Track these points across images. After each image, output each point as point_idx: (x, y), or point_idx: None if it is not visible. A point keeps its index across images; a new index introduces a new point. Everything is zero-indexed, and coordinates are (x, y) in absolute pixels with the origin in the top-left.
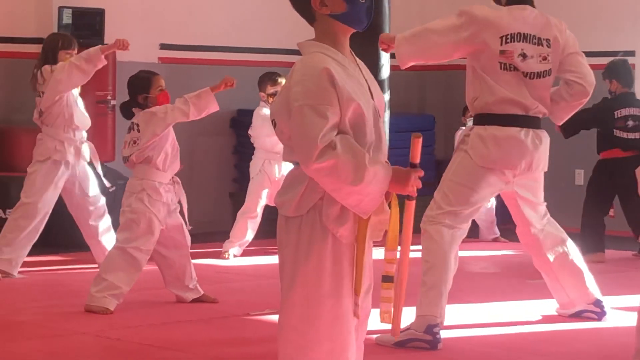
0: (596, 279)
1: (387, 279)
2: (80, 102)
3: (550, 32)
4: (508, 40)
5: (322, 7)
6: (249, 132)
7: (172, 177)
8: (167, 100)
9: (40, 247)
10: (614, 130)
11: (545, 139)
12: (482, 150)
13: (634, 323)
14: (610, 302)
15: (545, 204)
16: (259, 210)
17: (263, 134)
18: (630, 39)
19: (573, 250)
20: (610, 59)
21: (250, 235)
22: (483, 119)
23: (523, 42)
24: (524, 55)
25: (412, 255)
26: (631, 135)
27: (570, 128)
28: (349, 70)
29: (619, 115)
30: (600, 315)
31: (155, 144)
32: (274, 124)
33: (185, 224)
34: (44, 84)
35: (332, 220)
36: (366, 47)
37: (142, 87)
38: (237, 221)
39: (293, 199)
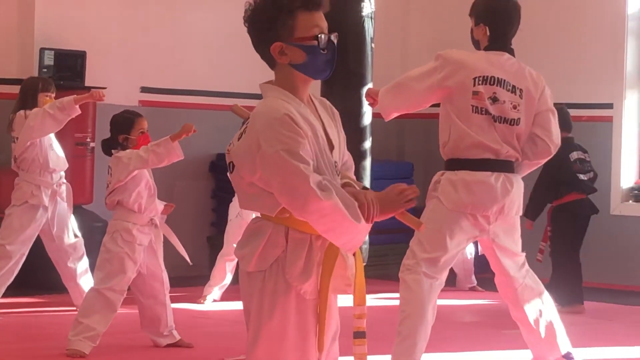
0: (569, 330)
1: (359, 334)
2: (56, 144)
3: (524, 83)
4: (480, 82)
5: (281, 56)
6: (229, 174)
7: (151, 219)
8: (147, 142)
9: (16, 289)
10: (576, 174)
11: (517, 182)
12: (452, 195)
13: None
14: (584, 353)
15: (524, 254)
16: None
17: None
18: (608, 92)
19: (548, 303)
20: (590, 110)
21: (229, 278)
22: (453, 164)
23: (497, 86)
24: (494, 99)
25: (389, 303)
26: (583, 177)
27: (536, 207)
28: (309, 121)
29: (573, 159)
30: None
31: (124, 188)
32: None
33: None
34: (17, 130)
35: (296, 276)
36: (348, 95)
37: (123, 128)
38: (217, 264)
39: (253, 253)
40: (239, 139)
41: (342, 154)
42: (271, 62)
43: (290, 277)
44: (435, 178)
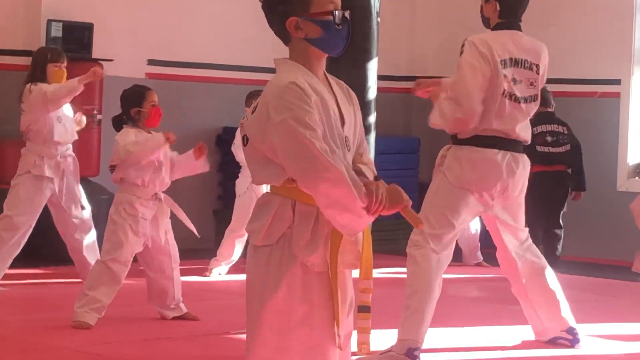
0: (572, 306)
1: (363, 309)
2: (65, 116)
3: (539, 58)
4: (507, 65)
5: (297, 30)
6: (232, 148)
7: (156, 194)
8: (160, 116)
9: (23, 260)
10: (535, 146)
11: (524, 162)
12: (457, 170)
13: (608, 351)
14: (589, 329)
15: (527, 229)
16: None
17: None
18: (616, 68)
19: (551, 278)
20: (598, 87)
21: (237, 254)
22: (460, 139)
23: (518, 67)
24: (514, 81)
25: (395, 276)
26: (553, 150)
27: None
28: (320, 93)
29: (537, 132)
30: (573, 342)
31: (126, 165)
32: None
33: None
34: (26, 103)
35: (302, 247)
36: (353, 69)
37: (135, 101)
38: (225, 239)
39: (261, 228)
40: (252, 112)
41: (356, 133)
42: (286, 38)
43: (297, 249)
44: (441, 152)
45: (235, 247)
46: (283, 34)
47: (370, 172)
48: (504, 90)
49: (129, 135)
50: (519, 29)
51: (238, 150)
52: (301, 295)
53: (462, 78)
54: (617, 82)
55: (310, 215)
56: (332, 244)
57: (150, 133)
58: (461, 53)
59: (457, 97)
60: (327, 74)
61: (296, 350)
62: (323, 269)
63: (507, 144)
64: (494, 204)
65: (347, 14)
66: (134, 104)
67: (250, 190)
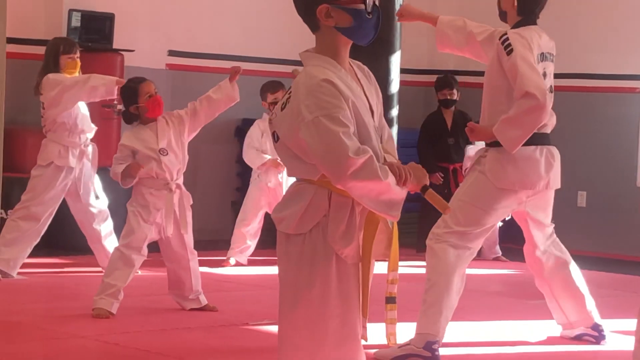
0: (596, 302)
1: (390, 300)
2: (83, 106)
3: (554, 50)
4: (540, 60)
5: (327, 18)
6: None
7: (167, 184)
8: (159, 105)
9: (42, 249)
10: None
11: (557, 155)
12: (499, 172)
13: (632, 347)
14: (610, 325)
15: (552, 225)
16: (259, 216)
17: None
18: (636, 63)
19: (576, 272)
20: (618, 82)
21: (250, 241)
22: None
23: (546, 60)
24: (544, 75)
25: (415, 271)
26: None
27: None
28: (351, 87)
29: None
30: (598, 338)
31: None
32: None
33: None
34: (46, 95)
35: (338, 239)
36: (376, 62)
37: (130, 99)
38: (235, 229)
39: (294, 216)
40: (282, 109)
41: (379, 117)
42: (315, 26)
43: (333, 241)
44: (479, 152)
45: (245, 235)
46: (312, 22)
47: (392, 159)
48: None
49: (127, 136)
50: (536, 24)
51: (248, 149)
52: (336, 287)
53: (527, 73)
54: (637, 77)
55: (346, 206)
56: (366, 234)
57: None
58: (508, 48)
59: (533, 93)
60: (350, 60)
61: (330, 342)
62: (356, 261)
63: (541, 138)
64: (527, 200)
65: (377, 1)
66: (130, 102)
67: (259, 179)
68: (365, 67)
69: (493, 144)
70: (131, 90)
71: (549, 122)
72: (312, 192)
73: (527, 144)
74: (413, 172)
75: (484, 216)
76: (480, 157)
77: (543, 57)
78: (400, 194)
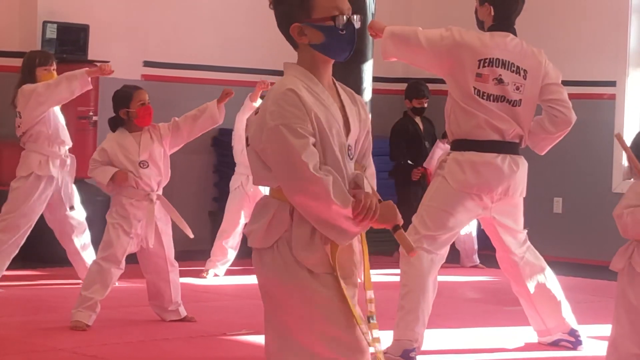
0: (573, 308)
1: (372, 319)
2: (61, 118)
3: (528, 62)
4: (486, 64)
5: (301, 36)
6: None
7: (148, 194)
8: (150, 114)
9: (20, 262)
10: None
11: (523, 164)
12: (459, 175)
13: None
14: (586, 331)
15: (525, 231)
16: (239, 227)
17: (239, 150)
18: (611, 69)
19: (551, 279)
20: (593, 88)
21: (231, 254)
22: (460, 145)
23: (502, 68)
24: (499, 81)
25: (390, 279)
26: None
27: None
28: (323, 100)
29: None
30: (575, 344)
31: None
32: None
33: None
34: (22, 105)
35: (301, 251)
36: (348, 70)
37: (123, 102)
38: (215, 241)
39: (260, 230)
40: (256, 113)
41: (360, 143)
42: (293, 43)
43: (296, 253)
44: (441, 157)
45: (226, 248)
46: (291, 40)
47: (369, 187)
48: (477, 89)
49: (109, 140)
50: (514, 32)
51: (235, 146)
52: (316, 293)
53: (420, 30)
54: (612, 83)
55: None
56: (332, 245)
57: (141, 133)
58: None
59: (405, 35)
60: (336, 81)
61: (317, 346)
62: (324, 270)
63: (506, 147)
64: (493, 206)
65: (357, 18)
66: (122, 106)
67: (241, 188)
68: (358, 96)
69: (454, 148)
70: (125, 95)
71: (514, 131)
72: (275, 207)
73: (489, 150)
74: (382, 210)
75: (449, 219)
76: (442, 161)
77: (499, 62)
78: (352, 227)
